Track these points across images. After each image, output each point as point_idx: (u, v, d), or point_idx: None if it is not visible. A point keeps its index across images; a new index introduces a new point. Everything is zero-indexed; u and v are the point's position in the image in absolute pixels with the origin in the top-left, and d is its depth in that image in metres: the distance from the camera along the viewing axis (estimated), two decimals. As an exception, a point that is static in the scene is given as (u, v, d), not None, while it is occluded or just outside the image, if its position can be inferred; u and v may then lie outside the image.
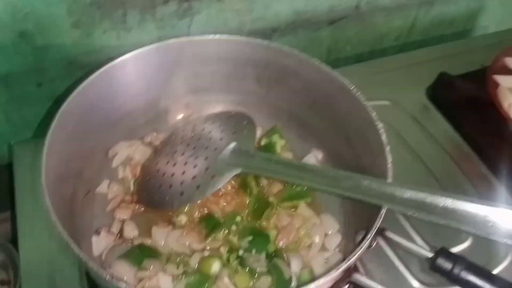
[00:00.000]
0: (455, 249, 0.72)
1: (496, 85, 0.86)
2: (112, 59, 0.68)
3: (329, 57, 1.04)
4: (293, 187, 0.72)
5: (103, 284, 0.54)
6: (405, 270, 0.70)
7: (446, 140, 0.88)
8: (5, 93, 0.77)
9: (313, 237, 0.68)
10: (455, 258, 0.54)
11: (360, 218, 0.66)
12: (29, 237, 0.70)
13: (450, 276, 0.54)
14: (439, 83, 0.94)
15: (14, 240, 0.74)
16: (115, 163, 0.74)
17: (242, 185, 0.72)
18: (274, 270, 0.63)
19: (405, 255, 0.71)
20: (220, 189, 0.68)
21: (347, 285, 0.55)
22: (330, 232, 0.69)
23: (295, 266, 0.64)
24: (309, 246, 0.68)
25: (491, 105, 0.81)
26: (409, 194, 0.53)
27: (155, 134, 0.78)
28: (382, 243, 0.72)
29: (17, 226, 0.71)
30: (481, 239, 0.71)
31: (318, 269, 0.65)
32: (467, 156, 0.86)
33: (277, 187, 0.73)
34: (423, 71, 0.98)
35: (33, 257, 0.68)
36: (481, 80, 0.85)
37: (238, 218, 0.69)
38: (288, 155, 0.78)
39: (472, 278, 0.53)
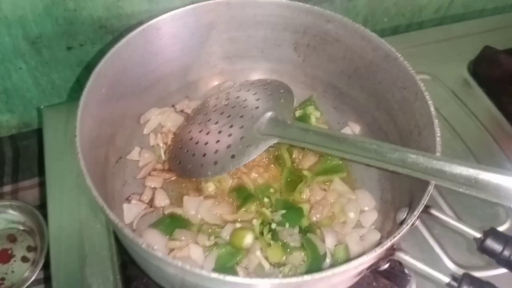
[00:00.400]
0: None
1: (543, 61, 0.81)
2: (142, 23, 0.65)
3: (365, 28, 1.00)
4: (328, 160, 0.70)
5: (135, 252, 0.53)
6: (440, 251, 0.68)
7: (487, 117, 0.84)
8: (35, 57, 0.75)
9: (348, 213, 0.66)
10: (506, 239, 0.51)
11: (400, 195, 0.64)
12: (58, 203, 0.69)
13: (500, 258, 0.51)
14: (483, 57, 0.90)
15: (41, 207, 0.74)
16: (146, 130, 0.72)
17: (275, 157, 0.70)
18: (308, 245, 0.61)
19: (440, 234, 0.69)
20: (252, 160, 0.66)
21: (388, 263, 0.52)
22: (366, 208, 0.67)
23: (330, 241, 0.62)
24: (344, 222, 0.66)
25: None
26: (459, 169, 0.50)
27: (187, 101, 0.76)
28: (418, 224, 0.70)
29: (46, 192, 0.70)
30: None
31: (353, 246, 0.63)
32: (508, 135, 0.82)
33: (311, 160, 0.71)
34: (465, 45, 0.94)
35: (62, 224, 0.68)
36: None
37: (271, 190, 0.67)
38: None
39: (524, 261, 0.50)
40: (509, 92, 0.86)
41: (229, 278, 0.42)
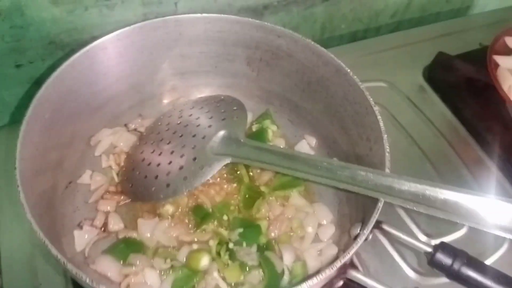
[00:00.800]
0: (450, 237, 0.70)
1: (496, 65, 0.83)
2: (95, 38, 0.64)
3: (323, 35, 1.00)
4: (285, 175, 0.69)
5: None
6: (402, 262, 0.68)
7: (443, 123, 0.85)
8: (-17, 75, 0.73)
9: (306, 227, 0.66)
10: (455, 253, 0.52)
11: (356, 208, 0.64)
12: (9, 232, 0.67)
13: (449, 272, 0.51)
14: (437, 63, 0.91)
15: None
16: (97, 151, 0.70)
17: (232, 173, 0.69)
18: (265, 263, 0.61)
19: (402, 246, 0.68)
20: (208, 179, 0.65)
21: (341, 281, 0.52)
22: (324, 222, 0.67)
23: (288, 258, 0.62)
24: (302, 237, 0.65)
25: (491, 87, 0.78)
26: (407, 186, 0.51)
27: (139, 120, 0.74)
28: (378, 234, 0.70)
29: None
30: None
31: (311, 261, 0.63)
32: (464, 140, 0.83)
33: (268, 175, 0.70)
34: (420, 51, 0.95)
35: (14, 253, 0.65)
36: (480, 60, 0.82)
37: (229, 208, 0.66)
38: (280, 142, 0.74)
39: (473, 274, 0.51)
40: (463, 97, 0.87)
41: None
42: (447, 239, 0.68)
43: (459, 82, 0.89)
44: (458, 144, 0.82)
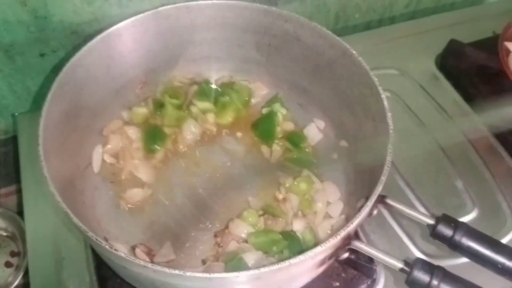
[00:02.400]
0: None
1: (508, 52, 0.83)
2: (113, 28, 0.67)
3: (337, 25, 1.01)
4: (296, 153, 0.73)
5: (103, 253, 0.55)
6: (408, 241, 0.70)
7: (455, 110, 0.86)
8: (9, 64, 0.77)
9: (317, 203, 0.68)
10: (456, 224, 0.53)
11: (361, 186, 0.65)
12: (34, 209, 0.71)
13: (450, 243, 0.53)
14: (449, 51, 0.92)
15: (22, 213, 0.75)
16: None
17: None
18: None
19: (408, 225, 0.71)
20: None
21: (347, 253, 0.54)
22: (332, 200, 0.69)
23: (298, 227, 0.65)
24: (315, 212, 0.68)
25: (503, 74, 0.78)
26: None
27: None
28: (385, 213, 0.72)
29: (23, 198, 0.72)
30: (487, 210, 0.72)
31: (323, 235, 0.65)
32: (476, 127, 0.84)
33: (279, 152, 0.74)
34: (433, 39, 0.95)
35: (39, 229, 0.69)
36: (493, 48, 0.83)
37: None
38: (289, 125, 0.77)
39: (474, 245, 0.52)
40: (475, 84, 0.88)
41: (189, 273, 0.45)
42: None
43: (471, 69, 0.89)
44: (469, 129, 0.83)
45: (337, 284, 0.65)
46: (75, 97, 0.63)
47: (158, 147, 0.72)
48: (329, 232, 0.65)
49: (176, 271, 0.46)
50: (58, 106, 0.59)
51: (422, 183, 0.76)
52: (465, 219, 0.72)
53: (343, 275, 0.66)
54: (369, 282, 0.65)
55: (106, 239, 0.63)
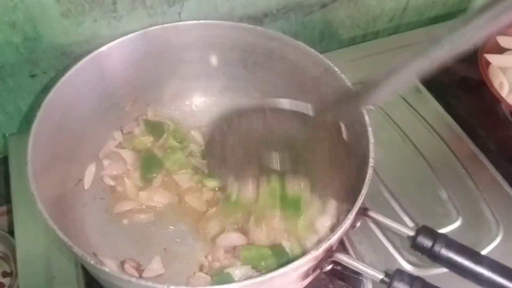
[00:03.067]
0: (444, 230, 0.73)
1: (488, 64, 0.86)
2: (101, 48, 0.68)
3: (322, 41, 1.04)
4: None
5: (90, 269, 0.56)
6: (393, 250, 0.71)
7: (437, 121, 0.88)
8: (0, 85, 0.78)
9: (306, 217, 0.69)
10: (435, 236, 0.54)
11: (348, 200, 0.67)
12: (25, 228, 0.71)
13: (430, 254, 0.54)
14: (430, 64, 0.94)
15: (13, 232, 0.76)
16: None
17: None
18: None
19: (394, 235, 0.72)
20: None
21: (331, 265, 0.55)
22: (320, 213, 0.69)
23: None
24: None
25: (483, 85, 0.81)
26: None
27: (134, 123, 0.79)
28: (372, 225, 0.73)
29: (13, 217, 0.72)
30: (471, 219, 0.74)
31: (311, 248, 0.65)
32: (458, 137, 0.86)
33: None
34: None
35: (29, 248, 0.70)
36: (473, 59, 0.85)
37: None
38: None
39: (453, 256, 0.53)
40: (456, 95, 0.90)
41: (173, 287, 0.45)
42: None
43: (452, 81, 0.92)
44: (452, 140, 0.85)
45: (325, 295, 0.67)
46: (65, 116, 0.64)
47: (155, 175, 0.73)
48: (315, 245, 0.66)
49: (160, 285, 0.47)
50: (48, 125, 0.61)
51: (406, 193, 0.77)
52: (449, 228, 0.73)
53: (330, 286, 0.67)
54: (357, 293, 0.67)
55: (95, 255, 0.64)
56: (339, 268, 0.63)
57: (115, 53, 0.69)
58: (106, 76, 0.70)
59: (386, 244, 0.72)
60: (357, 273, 0.65)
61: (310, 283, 0.63)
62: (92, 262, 0.47)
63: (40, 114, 0.59)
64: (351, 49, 1.02)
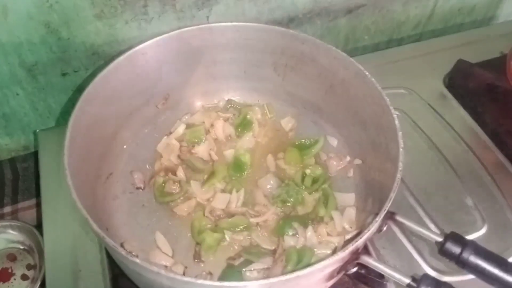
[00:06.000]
0: (469, 237, 0.70)
1: (515, 71, 0.85)
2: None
3: (346, 46, 1.04)
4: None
5: (119, 259, 0.57)
6: (417, 256, 0.71)
7: (463, 128, 0.87)
8: (32, 83, 0.80)
9: (331, 213, 0.70)
10: (464, 242, 0.54)
11: (373, 203, 0.67)
12: (53, 222, 0.73)
13: (458, 260, 0.54)
14: (457, 70, 0.94)
15: (39, 227, 0.77)
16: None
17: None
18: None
19: (418, 241, 0.72)
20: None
21: (356, 267, 0.56)
22: (345, 215, 0.70)
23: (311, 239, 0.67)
24: (327, 223, 0.69)
25: (510, 93, 0.80)
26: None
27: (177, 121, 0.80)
28: (396, 229, 0.73)
29: (42, 211, 0.74)
30: (497, 226, 0.74)
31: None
32: (484, 144, 0.85)
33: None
34: (441, 59, 0.97)
35: (57, 241, 0.71)
36: (500, 67, 0.85)
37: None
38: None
39: (481, 263, 0.53)
40: (483, 102, 0.89)
41: (201, 282, 0.46)
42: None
43: (479, 88, 0.91)
44: (478, 148, 0.84)
45: (348, 298, 0.67)
46: (100, 111, 0.66)
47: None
48: (341, 247, 0.66)
49: (187, 278, 0.48)
50: (84, 119, 0.62)
51: (432, 200, 0.77)
52: (474, 235, 0.73)
53: (352, 289, 0.68)
54: (379, 298, 0.67)
55: (122, 246, 0.65)
56: (363, 271, 0.64)
57: (150, 52, 0.71)
58: (140, 74, 0.72)
59: (410, 249, 0.72)
60: (381, 277, 0.66)
61: (333, 286, 0.63)
62: (123, 252, 0.48)
63: (77, 107, 0.61)
64: (376, 55, 1.02)
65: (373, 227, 0.52)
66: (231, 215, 0.69)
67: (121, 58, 0.68)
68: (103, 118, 0.67)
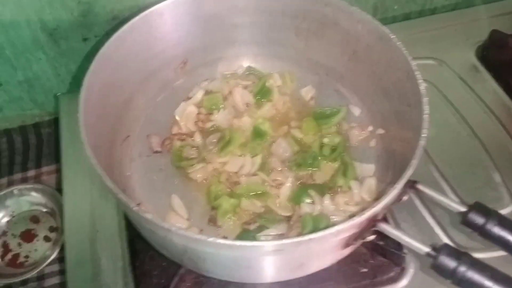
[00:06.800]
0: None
1: (552, 44, 0.80)
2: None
3: (375, 16, 0.98)
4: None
5: (134, 217, 0.57)
6: (438, 230, 0.69)
7: (495, 102, 0.84)
8: (53, 48, 0.80)
9: (350, 183, 0.68)
10: (488, 212, 0.52)
11: (394, 173, 0.65)
12: (72, 185, 0.74)
13: (482, 231, 0.52)
14: (491, 41, 0.89)
15: (61, 190, 0.78)
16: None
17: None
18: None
19: (440, 214, 0.70)
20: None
21: (373, 235, 0.54)
22: (366, 184, 0.68)
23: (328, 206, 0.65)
24: (345, 192, 0.68)
25: (545, 65, 0.76)
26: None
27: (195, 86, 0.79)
28: (417, 202, 0.71)
29: (62, 174, 0.75)
30: None
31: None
32: (517, 119, 0.81)
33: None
34: (475, 30, 0.93)
35: (76, 204, 0.72)
36: (536, 38, 0.80)
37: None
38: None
39: (506, 234, 0.51)
40: (517, 76, 0.86)
41: (213, 239, 0.45)
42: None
43: (512, 60, 0.87)
44: (510, 122, 0.81)
45: (365, 270, 0.65)
46: (116, 72, 0.65)
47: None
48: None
49: (199, 236, 0.47)
50: (99, 79, 0.62)
51: (457, 174, 0.74)
52: (501, 212, 0.69)
53: (371, 261, 0.66)
54: (397, 270, 0.65)
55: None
56: (381, 243, 0.62)
57: (166, 13, 0.69)
58: (157, 36, 0.70)
59: (431, 223, 0.70)
60: (399, 249, 0.64)
61: (350, 256, 0.62)
62: (135, 208, 0.48)
63: (92, 67, 0.60)
64: (405, 24, 0.98)
65: (392, 194, 0.50)
66: (246, 181, 0.68)
67: (137, 18, 0.67)
68: (119, 80, 0.67)
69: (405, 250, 0.64)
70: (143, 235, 0.62)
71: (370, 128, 0.73)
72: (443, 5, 1.04)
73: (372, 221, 0.51)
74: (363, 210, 0.62)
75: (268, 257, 0.52)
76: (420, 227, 0.69)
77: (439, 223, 0.69)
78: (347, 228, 0.48)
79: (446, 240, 0.68)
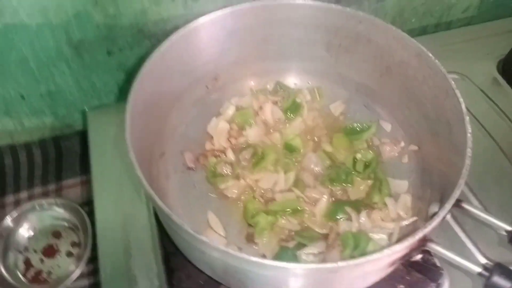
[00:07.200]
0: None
1: None
2: (177, 28, 0.69)
3: (393, 29, 1.01)
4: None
5: (177, 236, 0.56)
6: (473, 248, 0.69)
7: (518, 116, 0.84)
8: (77, 61, 0.79)
9: (385, 199, 0.68)
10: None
11: (431, 191, 0.65)
12: (104, 199, 0.73)
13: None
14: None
15: (84, 205, 0.78)
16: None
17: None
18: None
19: (472, 230, 0.70)
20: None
21: (421, 255, 0.54)
22: (400, 198, 0.68)
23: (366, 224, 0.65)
24: (380, 209, 0.68)
25: None
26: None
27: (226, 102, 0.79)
28: (448, 218, 0.71)
29: (93, 189, 0.74)
30: None
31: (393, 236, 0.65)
32: (541, 133, 0.82)
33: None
34: (495, 44, 0.94)
35: (108, 219, 0.71)
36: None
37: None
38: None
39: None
40: (539, 89, 0.86)
41: (265, 261, 0.46)
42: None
43: (536, 75, 0.88)
44: (534, 137, 0.81)
45: (402, 286, 0.65)
46: (156, 88, 0.65)
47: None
48: (397, 233, 0.65)
49: (255, 259, 0.46)
50: (142, 95, 0.62)
51: (485, 189, 0.74)
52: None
53: (407, 278, 0.66)
54: (433, 286, 0.65)
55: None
56: (419, 260, 0.62)
57: (204, 29, 0.69)
58: (193, 52, 0.71)
59: (465, 240, 0.69)
60: (436, 265, 0.64)
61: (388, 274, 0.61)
62: (176, 220, 0.48)
63: (136, 83, 0.60)
64: (424, 39, 0.97)
65: (442, 214, 0.50)
66: (281, 198, 0.68)
67: (176, 35, 0.67)
68: (158, 96, 0.67)
69: (441, 267, 0.64)
70: (181, 250, 0.61)
71: (402, 144, 0.73)
72: (458, 19, 1.05)
73: (423, 241, 0.51)
74: (400, 226, 0.64)
75: (318, 277, 0.52)
76: (452, 244, 0.69)
77: (472, 241, 0.69)
78: (401, 248, 0.48)
79: (480, 257, 0.67)
